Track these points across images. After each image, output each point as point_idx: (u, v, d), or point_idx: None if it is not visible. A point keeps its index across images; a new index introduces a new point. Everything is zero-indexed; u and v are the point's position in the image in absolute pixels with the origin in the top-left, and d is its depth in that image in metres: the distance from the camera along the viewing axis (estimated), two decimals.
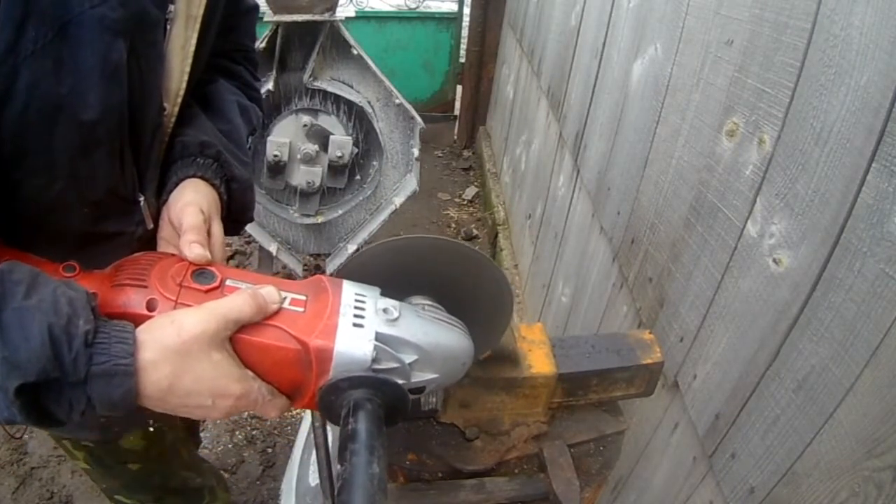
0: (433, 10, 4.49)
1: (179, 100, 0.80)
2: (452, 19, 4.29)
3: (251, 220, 0.92)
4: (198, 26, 0.78)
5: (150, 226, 0.81)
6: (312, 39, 2.22)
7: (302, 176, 2.39)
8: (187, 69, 0.79)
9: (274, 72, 2.19)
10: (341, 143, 2.33)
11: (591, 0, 1.96)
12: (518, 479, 0.87)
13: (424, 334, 0.62)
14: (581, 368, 0.87)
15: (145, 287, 0.60)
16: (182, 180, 0.80)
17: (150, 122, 0.76)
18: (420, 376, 0.62)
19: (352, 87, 2.35)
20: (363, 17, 4.08)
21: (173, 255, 0.68)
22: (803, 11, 0.85)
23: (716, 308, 1.04)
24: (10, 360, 0.49)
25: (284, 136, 2.32)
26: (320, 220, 2.52)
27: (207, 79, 0.92)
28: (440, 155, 4.49)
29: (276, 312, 0.60)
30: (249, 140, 0.95)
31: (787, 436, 0.85)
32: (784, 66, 0.89)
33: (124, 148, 0.73)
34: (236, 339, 0.59)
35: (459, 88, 4.46)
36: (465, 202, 3.94)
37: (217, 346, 0.57)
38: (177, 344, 0.55)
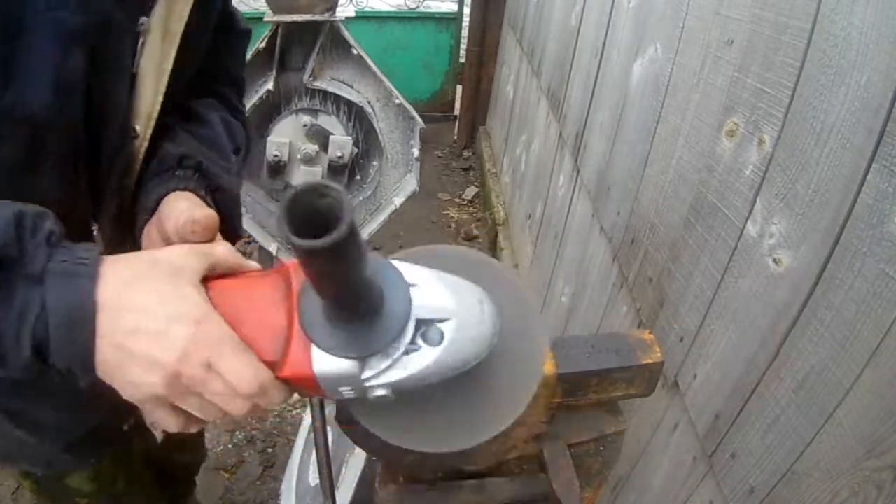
0: (433, 10, 4.50)
1: (152, 122, 0.73)
2: (452, 19, 4.30)
3: (238, 234, 0.85)
4: (177, 43, 0.71)
5: None
6: (312, 39, 2.22)
7: (302, 176, 2.39)
8: (162, 89, 0.72)
9: (274, 72, 2.19)
10: (341, 143, 2.32)
11: (591, 0, 1.96)
12: (518, 479, 0.87)
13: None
14: (581, 368, 0.87)
15: None
16: (163, 197, 0.72)
17: (110, 142, 0.69)
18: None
19: (352, 87, 2.35)
20: (363, 17, 4.08)
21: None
22: (803, 11, 0.85)
23: (716, 308, 1.04)
24: None
25: (284, 136, 2.32)
26: None
27: (191, 99, 0.86)
28: (440, 155, 4.49)
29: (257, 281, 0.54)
30: (235, 158, 0.88)
31: (787, 436, 0.85)
32: (784, 66, 0.89)
33: (78, 168, 0.66)
34: (213, 288, 0.53)
35: (459, 88, 4.47)
36: (465, 202, 3.94)
37: (186, 273, 0.52)
38: (144, 257, 0.52)
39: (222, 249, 0.56)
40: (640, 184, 1.41)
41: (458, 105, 4.54)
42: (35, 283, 0.47)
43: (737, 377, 0.97)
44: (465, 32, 4.28)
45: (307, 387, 0.51)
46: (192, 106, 0.86)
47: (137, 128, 0.72)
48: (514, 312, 0.57)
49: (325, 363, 0.48)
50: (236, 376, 0.49)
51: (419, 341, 0.49)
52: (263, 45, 2.17)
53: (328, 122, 2.34)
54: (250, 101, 2.19)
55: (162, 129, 0.78)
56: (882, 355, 0.69)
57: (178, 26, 0.71)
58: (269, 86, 2.18)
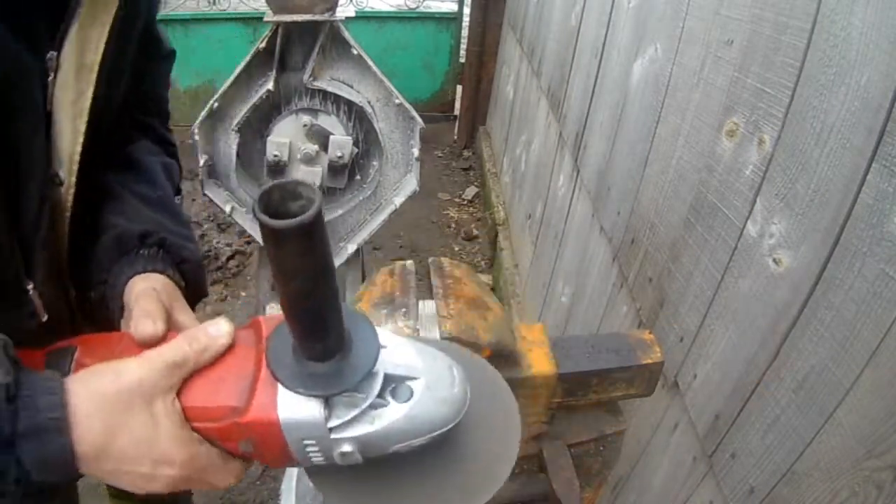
0: (433, 10, 4.50)
1: (76, 167, 0.67)
2: (452, 19, 4.30)
3: (206, 295, 0.82)
4: (93, 77, 0.65)
5: (44, 318, 0.67)
6: (312, 39, 2.22)
7: (302, 176, 2.39)
8: (82, 129, 0.66)
9: (274, 72, 2.19)
10: (341, 143, 2.32)
11: (591, 0, 1.96)
12: (518, 479, 0.87)
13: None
14: (581, 368, 0.87)
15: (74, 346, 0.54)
16: (130, 279, 0.68)
17: (33, 192, 0.63)
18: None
19: (352, 87, 2.34)
20: (363, 17, 4.08)
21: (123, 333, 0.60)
22: (803, 11, 0.85)
23: (716, 308, 1.04)
24: None
25: (284, 136, 2.32)
26: None
27: (122, 137, 0.81)
28: (440, 155, 4.49)
29: (227, 358, 0.52)
30: (180, 199, 0.85)
31: (787, 436, 0.85)
32: (784, 66, 0.89)
33: None
34: (183, 394, 0.51)
35: (459, 88, 4.47)
36: (465, 202, 3.94)
37: (160, 399, 0.50)
38: (114, 393, 0.48)
39: (189, 350, 0.51)
40: (640, 184, 1.41)
41: (458, 105, 4.54)
42: (7, 447, 0.45)
43: (737, 377, 0.97)
44: (465, 32, 4.28)
45: (271, 440, 0.49)
46: (130, 154, 0.80)
47: (61, 173, 0.66)
48: (488, 393, 0.57)
49: (291, 407, 0.47)
50: (217, 484, 0.53)
51: (388, 397, 0.49)
52: (263, 45, 2.17)
53: (328, 122, 2.34)
54: (250, 101, 2.19)
55: (107, 195, 0.73)
56: (882, 355, 0.69)
57: (94, 58, 0.65)
58: (269, 86, 2.17)
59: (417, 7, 4.26)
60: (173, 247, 0.73)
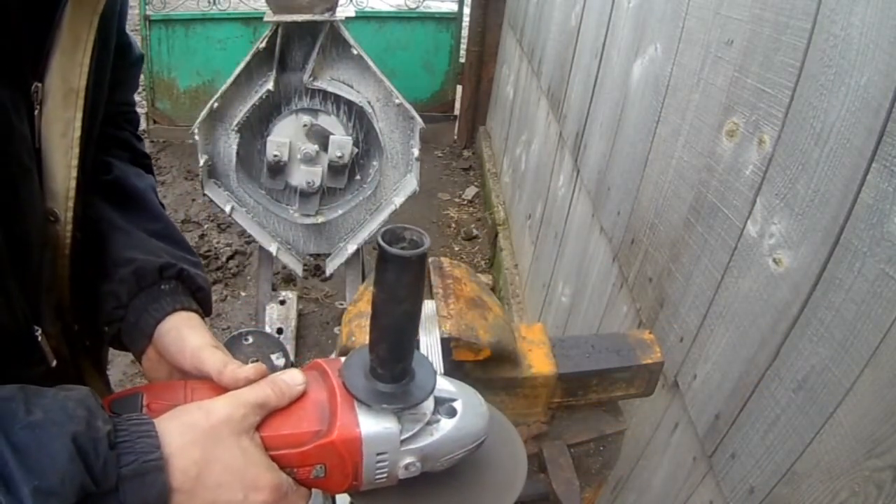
0: (433, 10, 4.50)
1: (72, 203, 0.63)
2: (452, 19, 4.30)
3: (210, 314, 0.81)
4: (81, 102, 0.61)
5: (53, 363, 0.65)
6: (312, 39, 2.22)
7: (302, 176, 2.39)
8: (75, 162, 0.62)
9: (274, 72, 2.19)
10: (341, 143, 2.32)
11: (591, 0, 1.96)
12: None
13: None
14: (581, 368, 0.87)
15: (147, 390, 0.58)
16: (160, 321, 0.67)
17: (34, 235, 0.60)
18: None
19: (352, 87, 2.34)
20: (363, 17, 4.08)
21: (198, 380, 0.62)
22: (803, 11, 0.85)
23: (716, 308, 1.04)
24: (43, 488, 0.42)
25: (284, 136, 2.32)
26: (320, 220, 2.51)
27: (102, 160, 0.77)
28: (440, 155, 4.49)
29: (302, 397, 0.57)
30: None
31: (787, 436, 0.85)
32: (784, 66, 0.89)
33: (3, 271, 0.57)
34: (262, 428, 0.56)
35: (459, 88, 4.47)
36: (465, 202, 3.94)
37: (246, 433, 0.53)
38: (206, 427, 0.51)
39: (271, 393, 0.55)
40: (640, 184, 1.41)
41: (458, 105, 4.54)
42: (112, 492, 0.47)
43: (737, 377, 0.97)
44: (465, 32, 4.28)
45: (349, 457, 0.54)
46: (121, 184, 0.77)
47: (56, 210, 0.63)
48: (500, 429, 0.67)
49: (371, 424, 0.54)
50: None
51: (438, 415, 0.58)
52: (263, 45, 2.17)
53: (328, 122, 2.34)
54: (250, 101, 2.19)
55: (108, 225, 0.71)
56: (882, 355, 0.69)
57: (81, 82, 0.60)
58: (269, 86, 2.17)
59: (417, 7, 4.26)
60: (189, 277, 0.73)
